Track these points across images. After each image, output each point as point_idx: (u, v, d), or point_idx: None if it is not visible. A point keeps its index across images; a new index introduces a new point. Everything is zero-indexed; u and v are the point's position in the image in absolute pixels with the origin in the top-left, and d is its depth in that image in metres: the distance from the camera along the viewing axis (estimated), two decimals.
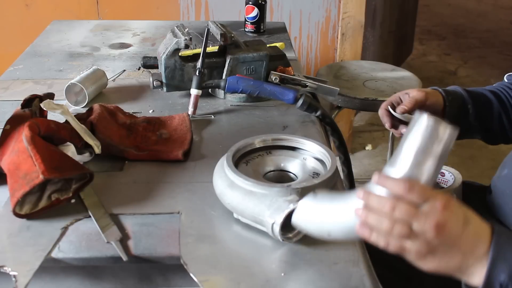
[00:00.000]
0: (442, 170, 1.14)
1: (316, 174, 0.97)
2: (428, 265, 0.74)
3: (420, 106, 1.12)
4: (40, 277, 0.81)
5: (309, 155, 1.01)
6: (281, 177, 0.99)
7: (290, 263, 0.84)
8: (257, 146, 1.01)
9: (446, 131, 0.71)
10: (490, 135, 1.21)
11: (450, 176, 1.12)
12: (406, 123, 1.12)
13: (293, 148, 1.02)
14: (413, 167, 0.72)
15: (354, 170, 1.56)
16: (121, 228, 0.92)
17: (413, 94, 1.13)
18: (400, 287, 1.05)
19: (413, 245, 0.72)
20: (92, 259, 0.85)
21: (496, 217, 1.12)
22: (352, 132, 2.94)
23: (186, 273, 0.82)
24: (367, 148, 2.96)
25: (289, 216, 0.83)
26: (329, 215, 0.78)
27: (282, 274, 0.82)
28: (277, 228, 0.83)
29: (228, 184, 0.90)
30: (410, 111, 1.10)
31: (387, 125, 1.14)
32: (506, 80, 1.24)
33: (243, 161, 0.98)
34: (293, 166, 1.00)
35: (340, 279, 0.81)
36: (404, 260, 0.80)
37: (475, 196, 1.20)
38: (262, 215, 0.86)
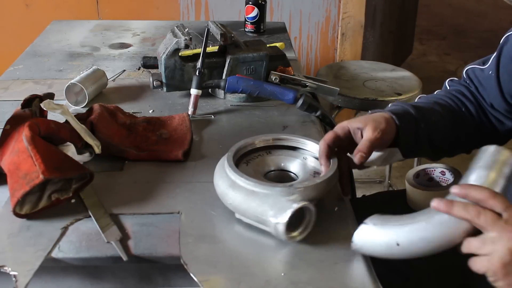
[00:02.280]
0: (443, 169, 1.13)
1: (316, 173, 0.97)
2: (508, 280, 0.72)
3: (377, 145, 0.98)
4: (40, 277, 0.81)
5: (310, 155, 1.01)
6: (281, 177, 0.99)
7: (290, 263, 0.84)
8: (258, 146, 1.01)
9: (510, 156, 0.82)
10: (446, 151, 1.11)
11: (451, 175, 1.12)
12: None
13: (294, 148, 1.02)
14: (487, 183, 0.79)
15: (354, 170, 1.56)
16: (121, 228, 0.92)
17: (368, 135, 0.97)
18: (400, 287, 1.05)
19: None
20: (92, 259, 0.85)
21: None
22: None
23: (186, 273, 0.82)
24: None
25: (292, 215, 0.83)
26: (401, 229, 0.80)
27: (282, 274, 0.82)
28: (281, 228, 0.83)
29: (230, 185, 0.90)
30: (368, 156, 0.97)
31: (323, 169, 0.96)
32: (448, 87, 1.17)
33: (244, 161, 0.98)
34: (294, 165, 1.00)
35: (340, 279, 0.81)
36: (404, 260, 0.80)
37: None
38: (265, 215, 0.85)
